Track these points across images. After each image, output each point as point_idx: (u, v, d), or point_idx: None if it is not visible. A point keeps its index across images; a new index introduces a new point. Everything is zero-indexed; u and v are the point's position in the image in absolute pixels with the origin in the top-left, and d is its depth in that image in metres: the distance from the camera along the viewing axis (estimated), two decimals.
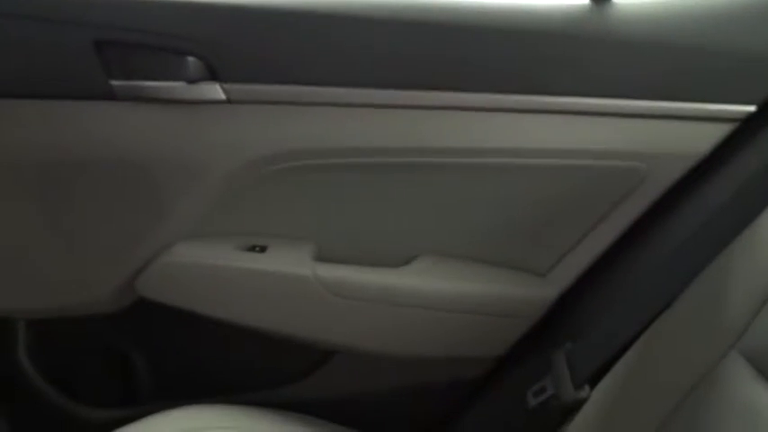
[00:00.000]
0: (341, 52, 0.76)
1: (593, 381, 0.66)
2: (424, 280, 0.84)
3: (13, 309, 0.84)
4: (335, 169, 0.79)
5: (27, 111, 0.75)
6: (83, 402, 0.91)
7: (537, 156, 0.80)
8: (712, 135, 0.79)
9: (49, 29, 0.73)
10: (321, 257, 0.84)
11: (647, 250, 0.80)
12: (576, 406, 0.66)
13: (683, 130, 0.79)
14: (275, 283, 0.82)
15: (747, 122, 0.78)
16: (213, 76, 0.75)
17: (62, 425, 0.90)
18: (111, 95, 0.74)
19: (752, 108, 0.78)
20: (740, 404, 0.49)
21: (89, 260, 0.82)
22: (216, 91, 0.75)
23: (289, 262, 0.82)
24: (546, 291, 0.85)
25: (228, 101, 0.75)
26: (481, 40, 0.76)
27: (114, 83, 0.74)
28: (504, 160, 0.80)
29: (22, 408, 0.91)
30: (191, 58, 0.74)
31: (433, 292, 0.84)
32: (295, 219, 0.83)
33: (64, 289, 0.83)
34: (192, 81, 0.74)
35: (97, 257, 0.82)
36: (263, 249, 0.82)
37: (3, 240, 0.80)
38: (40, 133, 0.76)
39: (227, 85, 0.75)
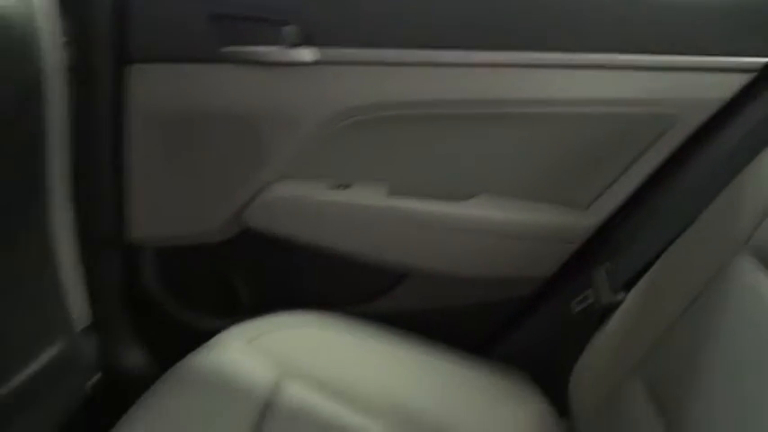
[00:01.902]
0: (415, 18, 0.85)
1: (628, 287, 0.75)
2: (484, 211, 0.93)
3: (142, 237, 0.95)
4: (407, 120, 0.89)
5: (155, 73, 0.85)
6: (199, 313, 1.01)
7: (581, 105, 0.88)
8: (734, 83, 0.87)
9: (171, 4, 0.83)
10: (395, 194, 0.94)
11: (676, 181, 0.88)
12: (614, 308, 0.76)
13: (708, 79, 0.87)
14: (357, 213, 0.92)
15: (764, 72, 0.86)
16: (307, 41, 0.84)
17: (181, 334, 0.96)
18: (222, 59, 0.85)
19: None
20: (749, 293, 0.54)
21: (203, 197, 0.93)
22: (309, 54, 0.85)
23: (368, 196, 0.92)
24: (588, 220, 0.94)
25: (319, 62, 0.85)
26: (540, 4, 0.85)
27: (225, 49, 0.85)
28: (552, 110, 0.89)
29: (151, 326, 1.00)
30: (288, 27, 0.84)
31: (490, 222, 0.93)
32: (373, 162, 0.93)
33: (183, 221, 0.94)
34: (289, 46, 0.84)
35: (210, 195, 0.93)
36: (347, 187, 0.93)
37: (135, 182, 0.90)
38: (166, 91, 0.87)
39: (318, 49, 0.85)
